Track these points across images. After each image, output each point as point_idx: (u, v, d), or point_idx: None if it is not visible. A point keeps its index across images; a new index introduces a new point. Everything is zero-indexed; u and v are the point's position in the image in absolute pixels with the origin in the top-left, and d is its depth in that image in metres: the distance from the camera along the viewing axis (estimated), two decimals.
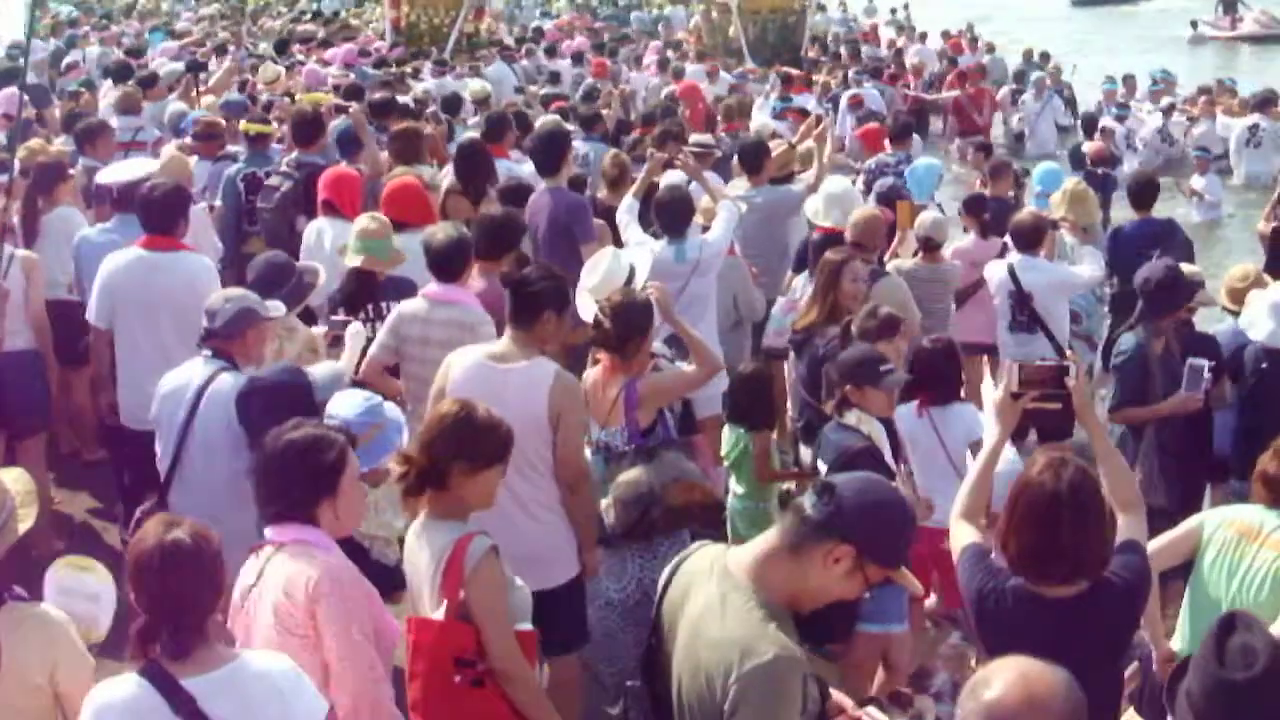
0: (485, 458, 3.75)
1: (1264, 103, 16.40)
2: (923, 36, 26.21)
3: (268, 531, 3.51)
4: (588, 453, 5.04)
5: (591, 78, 17.81)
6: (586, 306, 5.28)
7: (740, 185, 8.46)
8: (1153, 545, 4.23)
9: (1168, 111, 17.08)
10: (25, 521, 3.52)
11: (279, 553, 3.45)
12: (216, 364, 4.82)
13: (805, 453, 6.03)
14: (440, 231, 5.85)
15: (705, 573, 2.96)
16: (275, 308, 5.09)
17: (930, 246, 7.73)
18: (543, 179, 7.74)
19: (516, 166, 8.75)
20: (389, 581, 4.46)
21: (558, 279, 4.96)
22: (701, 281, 6.65)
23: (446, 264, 5.66)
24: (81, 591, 3.63)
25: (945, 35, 26.36)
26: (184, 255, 6.03)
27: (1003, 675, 2.34)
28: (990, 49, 24.08)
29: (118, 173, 7.46)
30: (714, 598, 2.86)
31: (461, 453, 3.70)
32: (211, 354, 4.86)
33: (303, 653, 3.30)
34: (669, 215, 6.81)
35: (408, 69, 16.47)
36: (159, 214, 6.02)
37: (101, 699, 2.98)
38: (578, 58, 19.71)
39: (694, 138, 10.70)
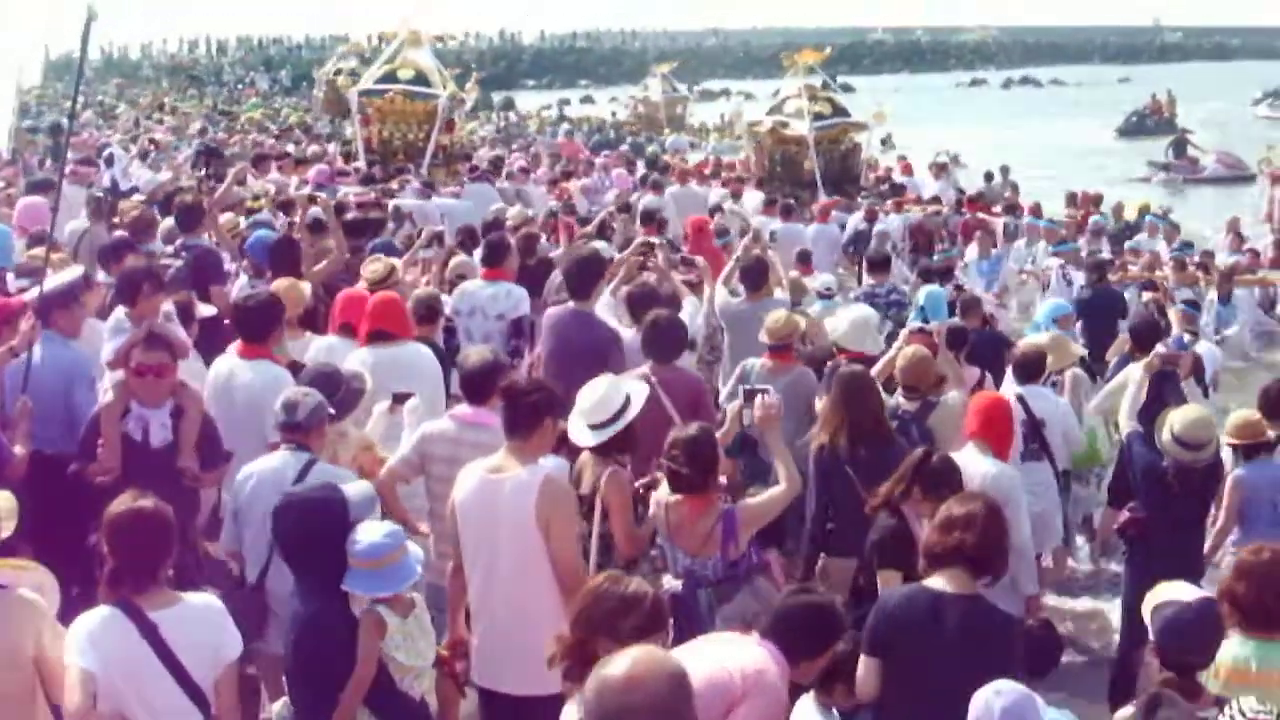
0: (656, 629, 3.73)
1: None
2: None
3: None
4: (676, 582, 5.31)
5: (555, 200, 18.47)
6: (579, 429, 5.51)
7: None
8: None
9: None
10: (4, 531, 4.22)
11: None
12: (304, 455, 5.18)
13: None
14: (474, 354, 6.09)
15: None
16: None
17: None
18: (573, 301, 8.10)
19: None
20: (412, 714, 4.66)
21: (549, 388, 5.29)
22: None
23: (478, 386, 5.83)
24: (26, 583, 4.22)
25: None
26: (262, 364, 6.58)
27: (619, 656, 2.68)
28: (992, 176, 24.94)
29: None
30: None
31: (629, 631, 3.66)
32: (295, 446, 5.25)
33: None
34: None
35: (394, 184, 16.90)
36: (249, 325, 6.65)
37: (85, 625, 3.89)
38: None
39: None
